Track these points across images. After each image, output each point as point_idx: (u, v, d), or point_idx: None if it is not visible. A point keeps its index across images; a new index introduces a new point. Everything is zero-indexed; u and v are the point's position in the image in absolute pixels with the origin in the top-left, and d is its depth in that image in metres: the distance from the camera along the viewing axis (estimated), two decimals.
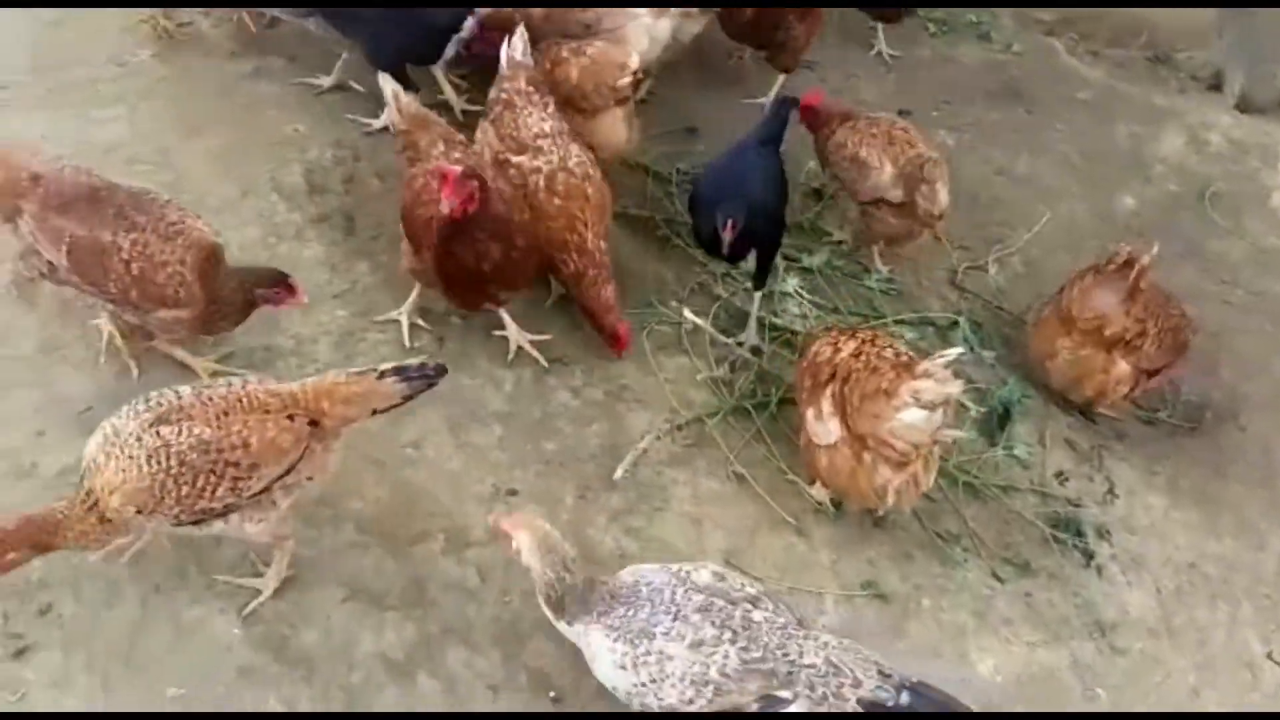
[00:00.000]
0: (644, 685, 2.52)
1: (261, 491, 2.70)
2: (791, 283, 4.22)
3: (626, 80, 4.02)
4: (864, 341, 3.38)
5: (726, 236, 3.54)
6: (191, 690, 2.74)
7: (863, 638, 3.10)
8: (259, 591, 2.91)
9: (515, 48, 3.85)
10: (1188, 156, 5.31)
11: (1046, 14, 6.20)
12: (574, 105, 3.97)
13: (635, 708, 2.62)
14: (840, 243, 4.53)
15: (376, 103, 4.35)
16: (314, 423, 2.73)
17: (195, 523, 2.69)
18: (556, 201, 3.62)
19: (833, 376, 3.33)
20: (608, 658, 2.58)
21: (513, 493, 3.38)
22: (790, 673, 2.49)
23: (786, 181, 4.01)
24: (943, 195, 4.10)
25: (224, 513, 2.69)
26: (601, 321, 3.72)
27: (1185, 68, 5.85)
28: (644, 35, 4.34)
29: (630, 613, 2.57)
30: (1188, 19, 6.13)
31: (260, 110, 4.34)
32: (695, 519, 3.45)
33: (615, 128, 4.12)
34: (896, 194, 4.14)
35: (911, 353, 3.36)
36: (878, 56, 5.50)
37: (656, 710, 2.55)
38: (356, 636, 2.92)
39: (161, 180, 3.88)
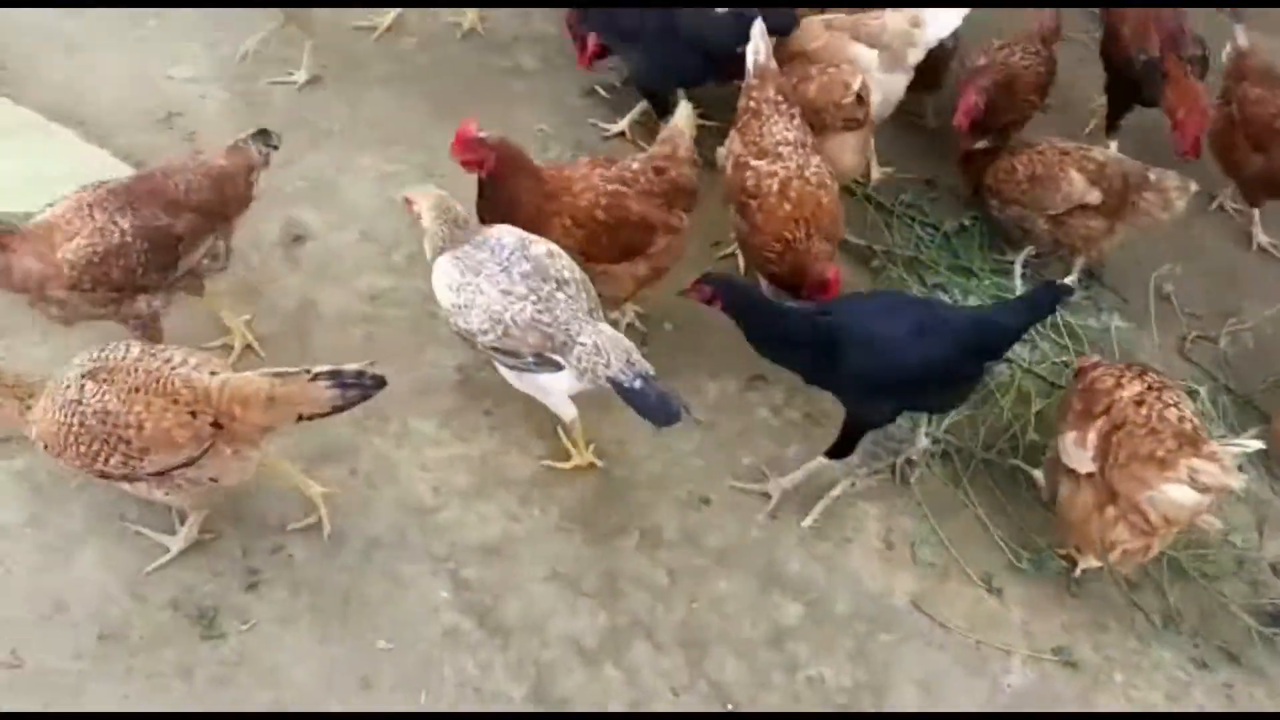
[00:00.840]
0: (458, 307, 3.13)
1: (160, 473, 2.71)
2: None
3: (850, 99, 4.03)
4: (1150, 388, 3.26)
5: None
6: (399, 645, 2.94)
7: (1049, 703, 3.04)
8: (168, 550, 2.94)
9: (760, 51, 3.86)
10: None
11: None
12: (810, 123, 3.97)
13: (451, 325, 3.21)
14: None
15: (618, 109, 4.60)
16: (218, 424, 2.68)
17: (104, 477, 2.74)
18: (787, 207, 3.65)
19: (1107, 412, 3.23)
20: (443, 279, 3.19)
21: (706, 501, 3.47)
22: (565, 343, 3.10)
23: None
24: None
25: (126, 479, 2.74)
26: (811, 270, 3.62)
27: None
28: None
29: (474, 253, 3.16)
30: None
31: (511, 106, 4.56)
32: (885, 556, 3.45)
33: (843, 152, 4.13)
34: (1095, 196, 4.15)
35: (1196, 419, 3.21)
36: None
37: (461, 329, 3.17)
38: (552, 616, 3.07)
39: (415, 161, 4.21)
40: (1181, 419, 3.15)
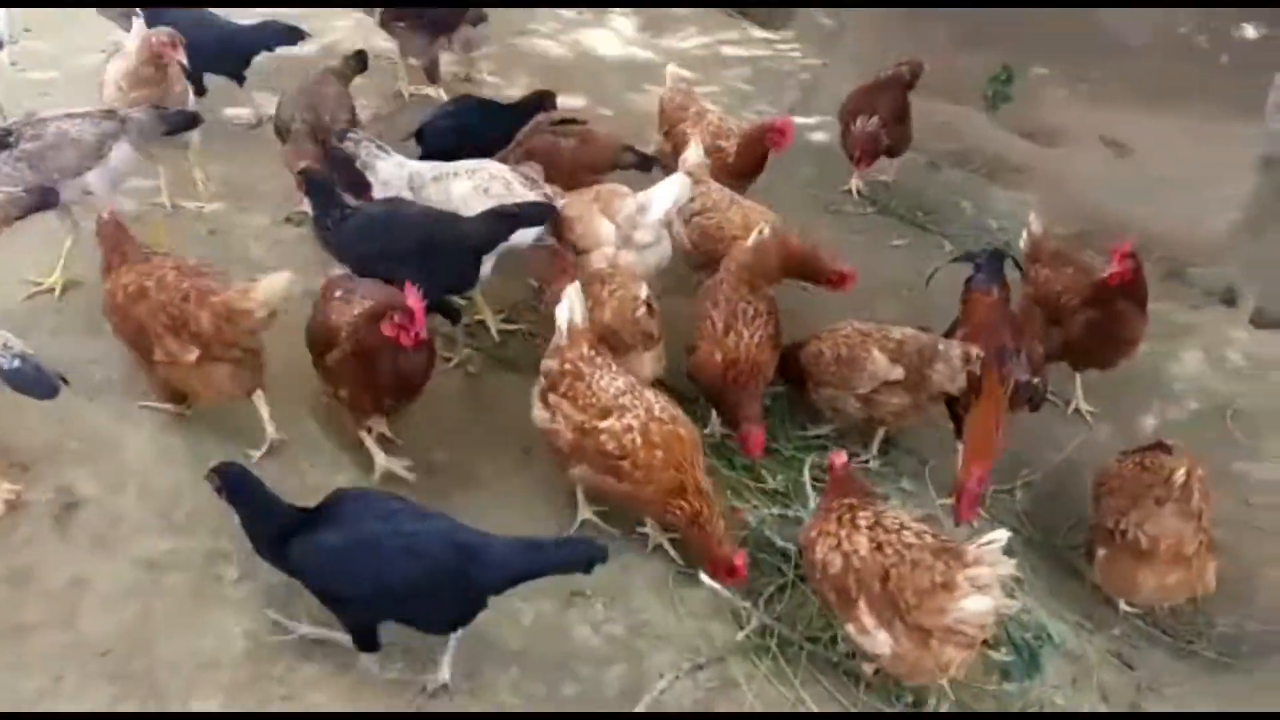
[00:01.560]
0: None
1: None
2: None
3: (642, 311, 4.14)
4: (871, 527, 3.39)
5: None
6: None
7: None
8: None
9: (575, 313, 3.89)
10: (1208, 374, 5.35)
11: (1060, 226, 6.35)
12: (608, 344, 4.05)
13: None
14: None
15: None
16: None
17: None
18: (658, 454, 3.65)
19: (859, 583, 3.32)
20: None
21: None
22: None
23: None
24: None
25: None
26: (716, 555, 3.70)
27: (1199, 283, 5.97)
28: (604, 262, 4.54)
29: None
30: (1200, 234, 6.29)
31: None
32: None
33: (643, 367, 4.25)
34: (898, 372, 4.32)
35: (929, 530, 3.41)
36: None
37: None
38: None
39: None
40: (921, 537, 3.34)
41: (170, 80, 5.02)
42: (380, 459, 3.98)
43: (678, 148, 5.31)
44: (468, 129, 5.20)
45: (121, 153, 4.50)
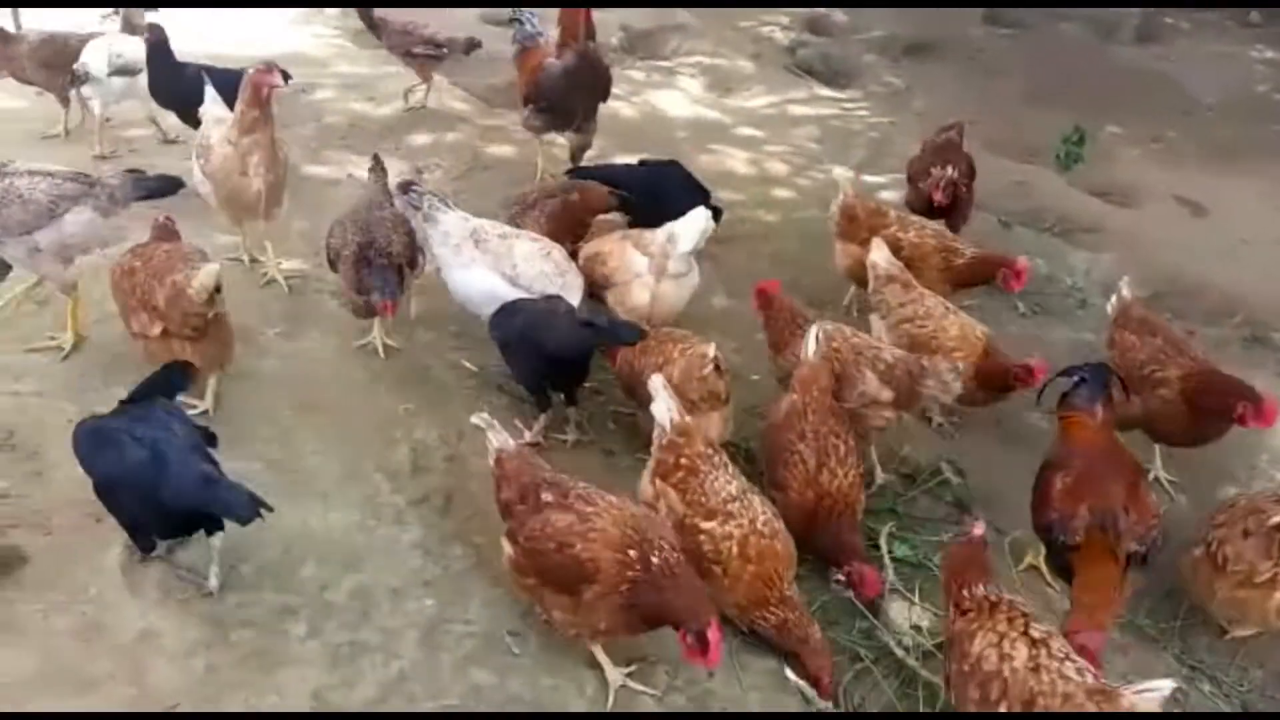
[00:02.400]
0: None
1: None
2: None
3: (709, 369, 4.15)
4: (1035, 643, 3.13)
5: None
6: None
7: None
8: None
9: (673, 409, 3.84)
10: None
11: (1136, 287, 6.19)
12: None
13: None
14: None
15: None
16: None
17: None
18: (750, 568, 3.60)
19: (1004, 694, 3.08)
20: None
21: None
22: None
23: None
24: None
25: None
26: (809, 662, 3.61)
27: None
28: (644, 291, 4.79)
29: None
30: None
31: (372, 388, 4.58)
32: None
33: (711, 428, 4.24)
34: (887, 395, 4.38)
35: (1090, 668, 3.11)
36: None
37: None
38: None
39: (270, 456, 4.10)
40: (1081, 672, 3.06)
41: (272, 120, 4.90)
42: (613, 676, 3.56)
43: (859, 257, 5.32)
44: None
45: (80, 217, 4.35)
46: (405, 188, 4.86)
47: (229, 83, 5.10)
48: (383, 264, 4.52)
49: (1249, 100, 9.54)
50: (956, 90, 9.29)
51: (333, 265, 4.77)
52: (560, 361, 4.38)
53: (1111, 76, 9.65)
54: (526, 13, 6.40)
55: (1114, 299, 5.10)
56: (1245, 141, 8.72)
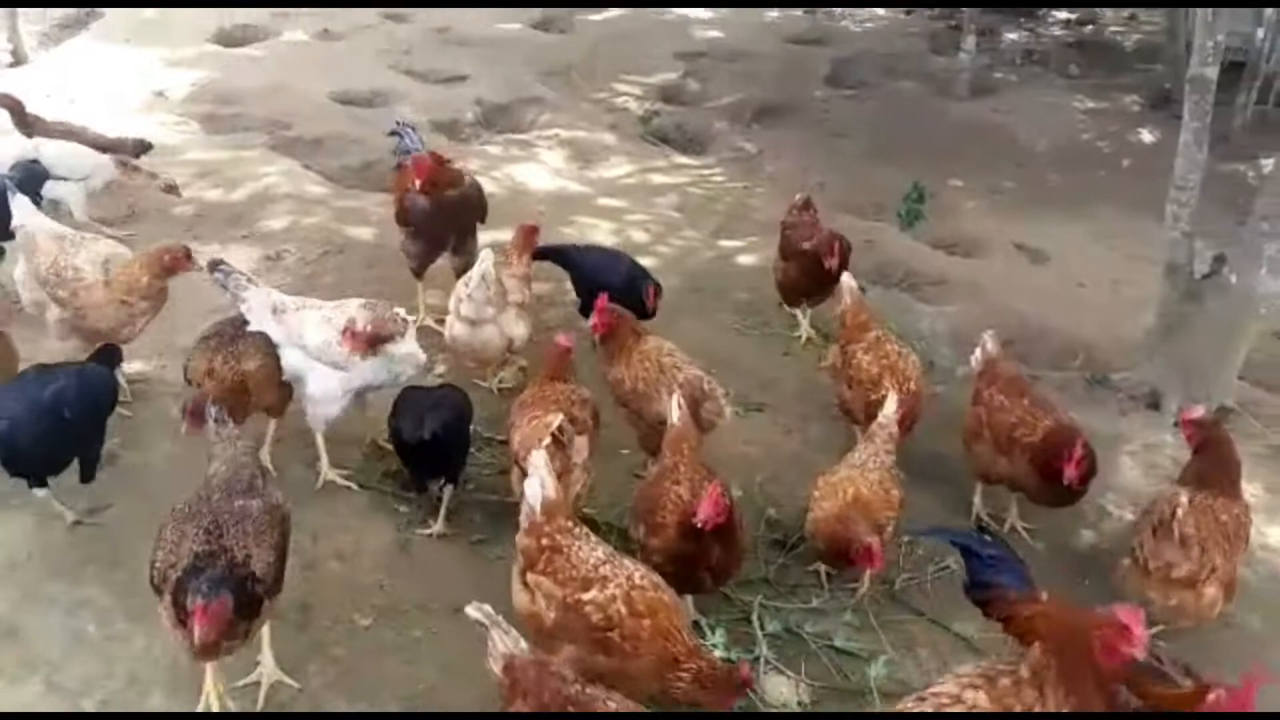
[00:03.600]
0: None
1: None
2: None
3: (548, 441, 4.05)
4: None
5: None
6: None
7: None
8: None
9: (547, 485, 3.72)
10: (1139, 481, 5.38)
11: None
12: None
13: None
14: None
15: None
16: None
17: None
18: (645, 622, 3.51)
19: None
20: None
21: None
22: None
23: None
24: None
25: None
26: (726, 688, 3.52)
27: (1123, 387, 6.07)
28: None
29: None
30: (1121, 339, 6.44)
31: None
32: None
33: None
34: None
35: None
36: None
37: None
38: None
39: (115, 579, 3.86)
40: None
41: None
42: None
43: (847, 363, 5.16)
44: None
45: None
46: (213, 266, 4.70)
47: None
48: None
49: (1075, 148, 10.16)
50: (804, 152, 9.63)
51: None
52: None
53: (949, 131, 10.14)
54: (407, 126, 6.25)
55: (978, 353, 5.15)
56: (1076, 187, 9.28)
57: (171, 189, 6.55)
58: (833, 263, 5.78)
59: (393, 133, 6.28)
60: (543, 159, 8.85)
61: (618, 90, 10.68)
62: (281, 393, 4.64)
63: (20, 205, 4.98)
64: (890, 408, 4.68)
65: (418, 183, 5.55)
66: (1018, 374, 5.14)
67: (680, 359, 4.81)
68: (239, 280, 4.66)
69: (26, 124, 6.61)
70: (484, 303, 5.08)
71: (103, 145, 6.57)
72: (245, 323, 4.60)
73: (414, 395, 4.64)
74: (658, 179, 8.81)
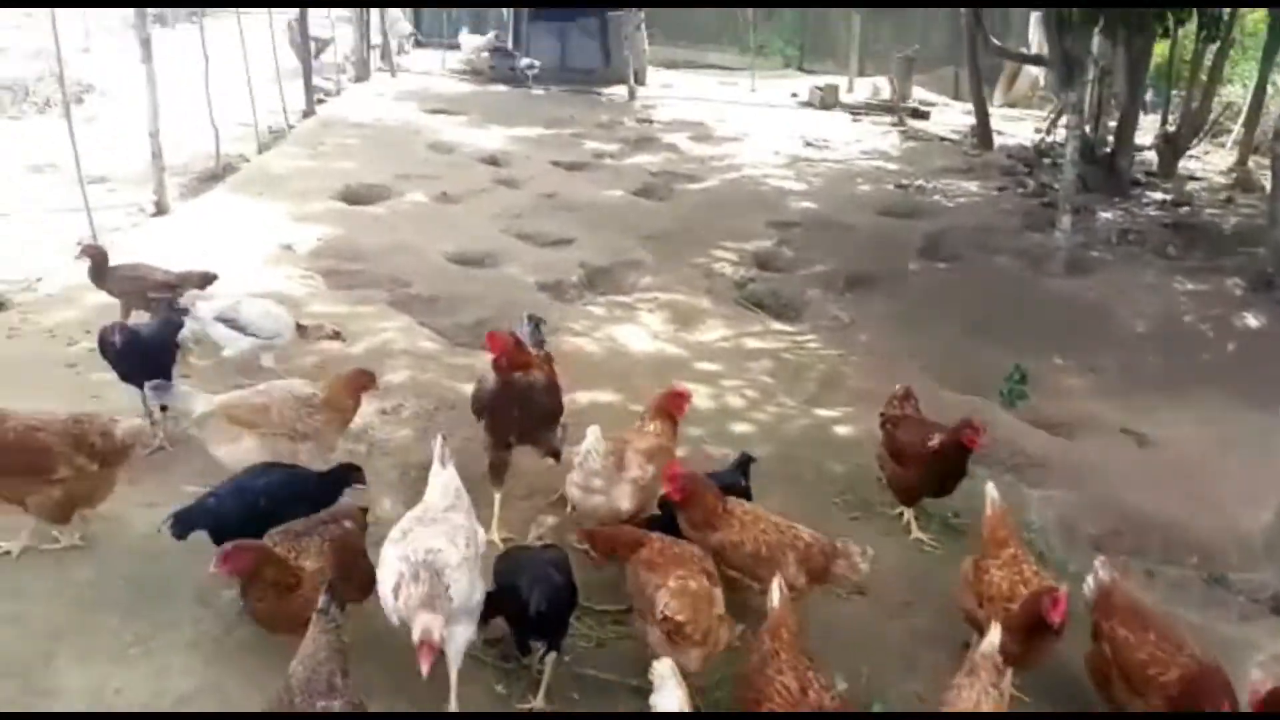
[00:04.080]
0: None
1: None
2: None
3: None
4: None
5: None
6: None
7: None
8: None
9: (683, 703, 3.74)
10: None
11: (1092, 526, 6.28)
12: None
13: None
14: None
15: None
16: None
17: None
18: None
19: None
20: None
21: None
22: None
23: None
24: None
25: None
26: None
27: (1243, 589, 5.82)
28: None
29: None
30: (1237, 534, 6.21)
31: None
32: None
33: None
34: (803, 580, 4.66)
35: None
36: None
37: None
38: None
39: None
40: None
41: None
42: None
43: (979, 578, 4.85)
44: None
45: None
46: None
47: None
48: None
49: (1176, 329, 10.03)
50: (898, 323, 9.71)
51: None
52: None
53: (1045, 307, 10.15)
54: (533, 323, 6.19)
55: (1090, 581, 4.79)
56: (1178, 370, 9.13)
57: (336, 335, 6.94)
58: (978, 440, 5.61)
59: (532, 318, 6.24)
60: (642, 320, 9.10)
61: (714, 255, 11.01)
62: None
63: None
64: (994, 637, 4.21)
65: (491, 356, 5.31)
66: (1136, 601, 4.74)
67: (784, 519, 4.88)
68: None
69: (102, 276, 6.96)
70: (592, 474, 5.17)
71: (171, 282, 6.94)
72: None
73: (524, 556, 4.65)
74: (752, 344, 8.96)
